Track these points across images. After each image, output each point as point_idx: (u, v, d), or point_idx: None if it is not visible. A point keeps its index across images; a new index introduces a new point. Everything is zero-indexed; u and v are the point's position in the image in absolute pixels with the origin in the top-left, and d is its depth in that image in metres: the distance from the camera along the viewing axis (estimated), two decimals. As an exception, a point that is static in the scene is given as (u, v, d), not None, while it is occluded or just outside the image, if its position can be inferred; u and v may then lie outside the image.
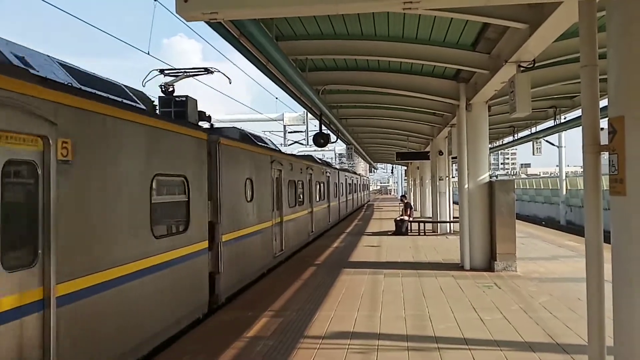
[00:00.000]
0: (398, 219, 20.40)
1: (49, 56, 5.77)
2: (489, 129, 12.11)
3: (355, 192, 38.60)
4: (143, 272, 6.12)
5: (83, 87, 5.71)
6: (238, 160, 10.05)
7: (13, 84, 4.19)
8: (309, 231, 17.80)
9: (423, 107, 15.02)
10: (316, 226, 19.14)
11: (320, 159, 23.94)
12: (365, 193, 54.33)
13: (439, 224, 19.88)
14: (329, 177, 22.82)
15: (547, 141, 27.14)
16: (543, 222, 32.72)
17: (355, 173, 43.08)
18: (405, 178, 55.88)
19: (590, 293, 4.32)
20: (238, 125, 15.91)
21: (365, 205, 49.94)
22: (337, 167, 34.80)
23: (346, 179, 31.68)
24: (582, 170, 4.65)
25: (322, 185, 21.13)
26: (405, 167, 50.74)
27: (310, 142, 30.39)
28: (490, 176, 11.93)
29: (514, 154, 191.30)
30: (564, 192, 35.22)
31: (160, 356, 6.22)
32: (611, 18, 3.96)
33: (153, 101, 8.27)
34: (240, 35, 7.46)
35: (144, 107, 7.06)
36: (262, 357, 5.99)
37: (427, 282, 10.12)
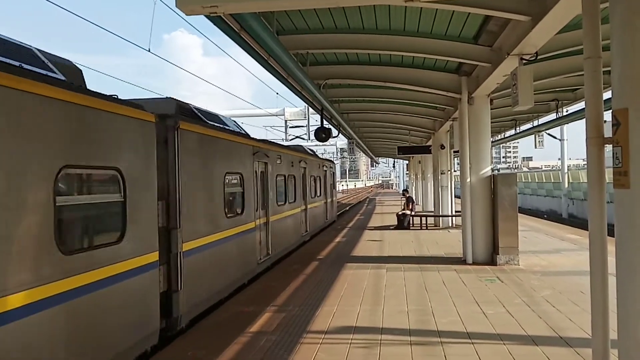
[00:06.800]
0: (400, 213, 20.41)
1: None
2: (491, 122, 12.08)
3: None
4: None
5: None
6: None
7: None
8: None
9: (425, 100, 14.98)
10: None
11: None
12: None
13: (441, 218, 19.87)
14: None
15: (549, 134, 27.08)
16: (545, 216, 32.67)
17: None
18: (407, 172, 55.88)
19: (594, 286, 4.30)
20: (239, 119, 20.25)
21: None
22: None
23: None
24: (584, 163, 4.63)
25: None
26: (407, 162, 50.71)
27: (312, 136, 30.32)
28: (492, 170, 11.90)
29: (516, 147, 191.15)
30: (566, 185, 35.16)
31: (163, 351, 6.23)
32: (614, 10, 3.93)
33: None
34: (240, 29, 7.41)
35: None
36: (265, 352, 5.99)
37: (429, 276, 10.12)
